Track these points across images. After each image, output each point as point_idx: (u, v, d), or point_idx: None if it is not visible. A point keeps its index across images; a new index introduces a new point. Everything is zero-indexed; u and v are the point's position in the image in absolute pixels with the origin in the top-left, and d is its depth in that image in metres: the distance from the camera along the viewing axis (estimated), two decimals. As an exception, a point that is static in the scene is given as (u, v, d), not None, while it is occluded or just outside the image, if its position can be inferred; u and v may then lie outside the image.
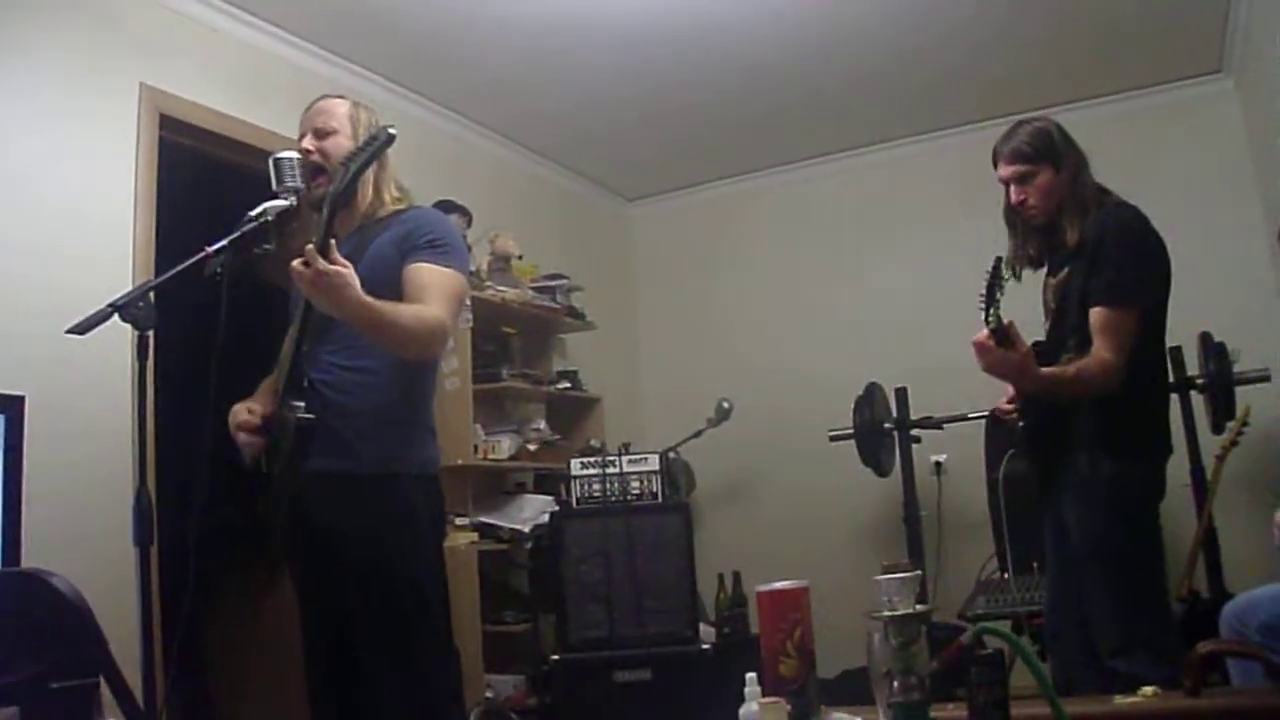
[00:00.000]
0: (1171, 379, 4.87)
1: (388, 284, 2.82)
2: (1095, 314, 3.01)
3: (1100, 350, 2.95)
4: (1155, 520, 3.07)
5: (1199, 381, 4.91)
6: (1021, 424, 3.29)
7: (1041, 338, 3.23)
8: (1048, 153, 3.19)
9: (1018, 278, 3.27)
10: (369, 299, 2.64)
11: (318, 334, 2.84)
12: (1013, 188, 3.25)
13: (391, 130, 2.64)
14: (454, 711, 3.04)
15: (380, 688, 2.78)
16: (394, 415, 2.93)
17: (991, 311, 2.78)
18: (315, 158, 3.02)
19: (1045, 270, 3.32)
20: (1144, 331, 3.01)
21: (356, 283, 2.60)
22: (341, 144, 3.00)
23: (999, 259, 2.84)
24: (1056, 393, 3.04)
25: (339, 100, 3.16)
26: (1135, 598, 2.95)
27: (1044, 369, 2.97)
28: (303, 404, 2.76)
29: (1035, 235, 3.28)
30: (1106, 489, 2.99)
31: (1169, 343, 4.60)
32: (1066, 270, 3.18)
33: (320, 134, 3.06)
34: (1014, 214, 3.30)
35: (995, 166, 3.30)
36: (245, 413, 2.91)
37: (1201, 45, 5.55)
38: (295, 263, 2.55)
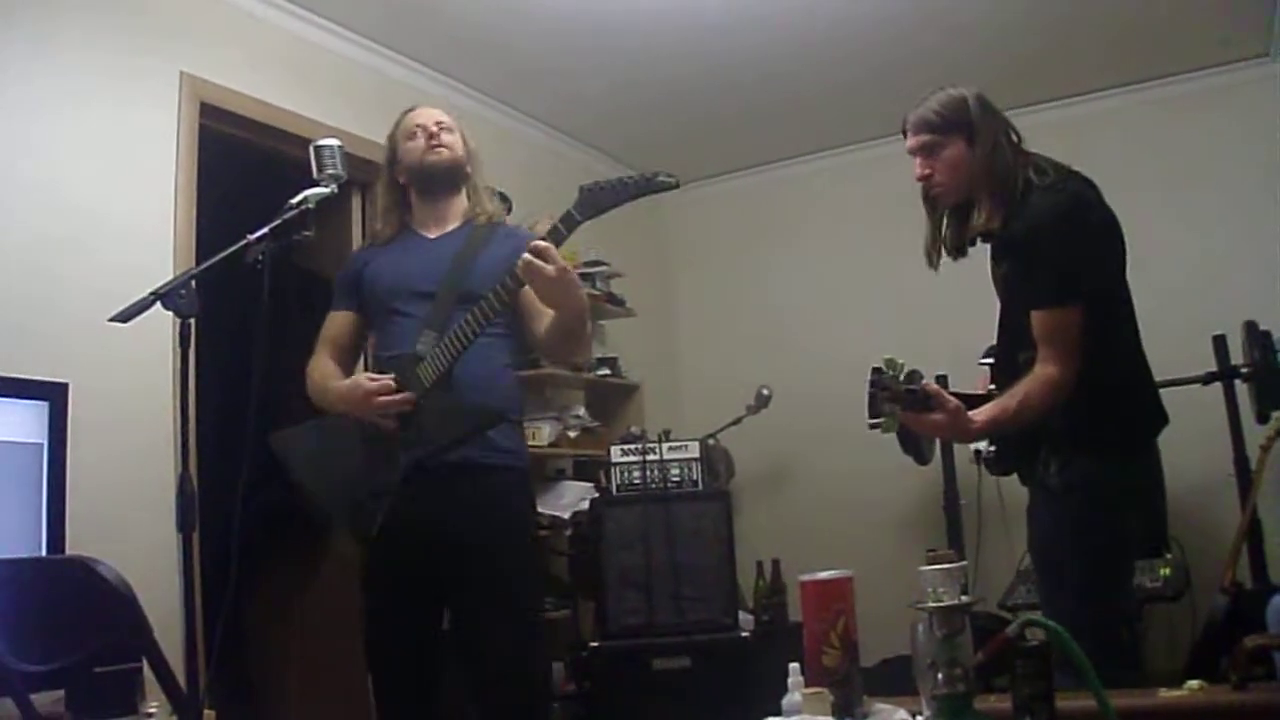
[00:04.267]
0: (1216, 368, 4.83)
1: None
2: (1035, 319, 2.76)
3: (1045, 363, 2.72)
4: (1124, 526, 2.81)
5: (1243, 370, 4.85)
6: (991, 448, 3.09)
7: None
8: (958, 123, 2.92)
9: (933, 266, 3.11)
10: None
11: (440, 331, 3.07)
12: (919, 160, 3.00)
13: (676, 183, 2.73)
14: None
15: (514, 667, 3.11)
16: (493, 413, 3.14)
17: (881, 422, 2.57)
18: (446, 142, 3.33)
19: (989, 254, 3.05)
20: (1096, 322, 2.74)
21: None
22: (457, 143, 3.35)
23: (879, 369, 2.58)
24: (1010, 428, 2.81)
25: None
26: (1084, 618, 2.56)
27: (980, 417, 2.74)
28: (450, 396, 3.04)
29: (952, 218, 3.04)
30: (1066, 496, 2.79)
31: (1215, 331, 4.52)
32: (1006, 265, 2.94)
33: (442, 126, 3.35)
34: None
35: (905, 137, 3.06)
36: (373, 382, 3.08)
37: (1248, 28, 5.47)
38: (526, 256, 2.78)
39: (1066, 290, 2.72)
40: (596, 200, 2.77)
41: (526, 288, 2.94)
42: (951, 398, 2.68)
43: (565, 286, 2.86)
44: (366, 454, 3.10)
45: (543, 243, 2.78)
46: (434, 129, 3.31)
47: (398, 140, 3.38)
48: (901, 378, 2.58)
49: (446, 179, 3.34)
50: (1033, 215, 2.79)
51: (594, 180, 2.82)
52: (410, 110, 3.44)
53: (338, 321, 3.37)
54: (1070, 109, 6.03)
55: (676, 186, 2.73)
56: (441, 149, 3.30)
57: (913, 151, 3.03)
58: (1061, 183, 2.83)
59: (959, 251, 3.07)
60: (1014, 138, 2.94)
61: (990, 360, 3.11)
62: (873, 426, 2.58)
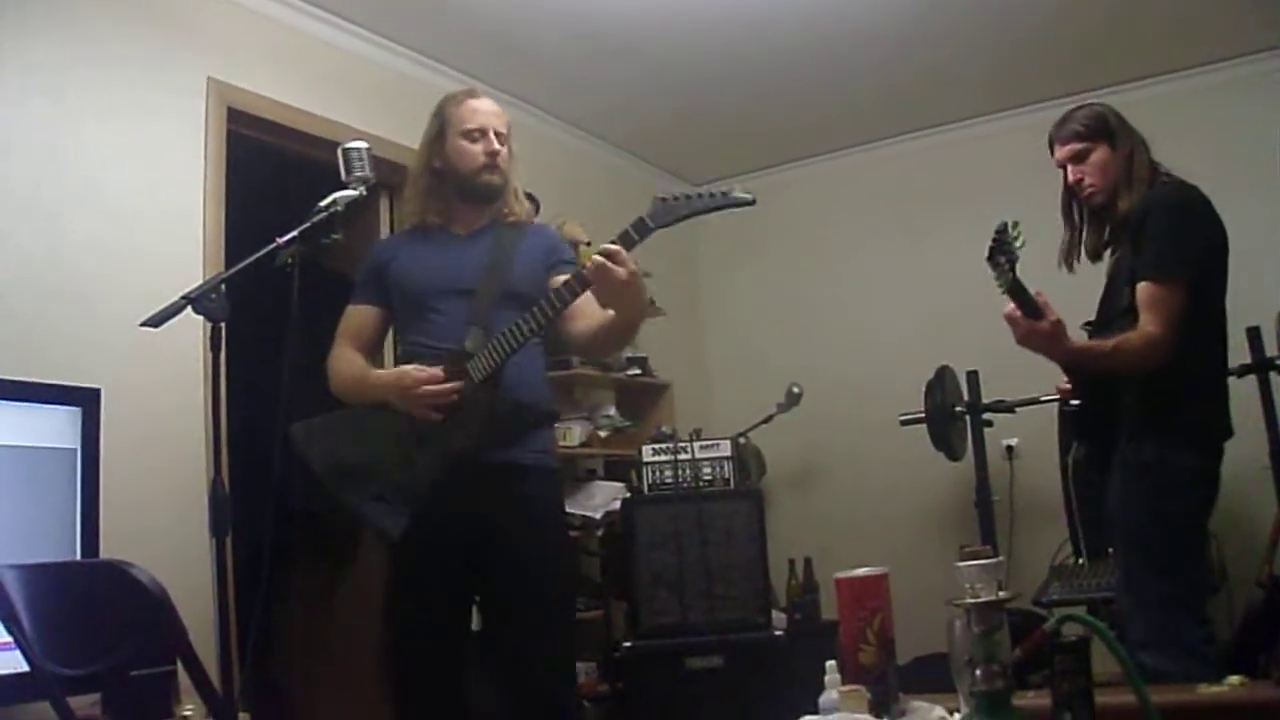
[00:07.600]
0: (1250, 360, 4.78)
1: (537, 286, 3.10)
2: (1141, 289, 2.98)
3: (1145, 324, 2.93)
4: (1198, 509, 3.04)
5: (1278, 362, 4.80)
6: (1074, 403, 3.31)
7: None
8: (1103, 131, 3.21)
9: (1069, 269, 3.31)
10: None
11: (486, 329, 3.05)
12: (1070, 168, 3.26)
13: (752, 200, 2.95)
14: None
15: (548, 665, 3.09)
16: (549, 411, 3.29)
17: (997, 275, 2.76)
18: (501, 160, 3.23)
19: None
20: (1194, 308, 2.96)
21: None
22: (508, 157, 3.27)
23: (1005, 223, 2.76)
24: (1096, 366, 3.03)
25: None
26: (1167, 590, 2.93)
27: (1077, 342, 2.98)
28: (498, 394, 3.02)
29: (1094, 221, 3.29)
30: (1143, 476, 2.99)
31: (1248, 322, 4.49)
32: (1121, 248, 3.19)
33: (500, 138, 3.25)
34: (1071, 198, 3.32)
35: (1051, 153, 3.33)
36: (421, 372, 3.03)
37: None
38: (597, 258, 2.76)
39: (1173, 266, 2.97)
40: (672, 210, 2.85)
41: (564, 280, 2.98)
42: (1055, 311, 2.88)
43: (634, 291, 2.86)
44: (397, 449, 3.01)
45: (614, 246, 2.77)
46: (496, 146, 3.22)
47: (448, 129, 3.25)
48: (1019, 243, 2.73)
49: (495, 195, 3.25)
50: (1151, 199, 3.10)
51: (667, 193, 2.91)
52: (468, 97, 3.33)
53: (359, 315, 3.29)
54: (1101, 100, 5.98)
55: (753, 203, 2.92)
56: (498, 171, 3.22)
57: (1063, 162, 3.29)
58: (1180, 185, 3.16)
59: (1097, 255, 3.32)
60: (1147, 148, 3.23)
61: (1089, 331, 3.29)
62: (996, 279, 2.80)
